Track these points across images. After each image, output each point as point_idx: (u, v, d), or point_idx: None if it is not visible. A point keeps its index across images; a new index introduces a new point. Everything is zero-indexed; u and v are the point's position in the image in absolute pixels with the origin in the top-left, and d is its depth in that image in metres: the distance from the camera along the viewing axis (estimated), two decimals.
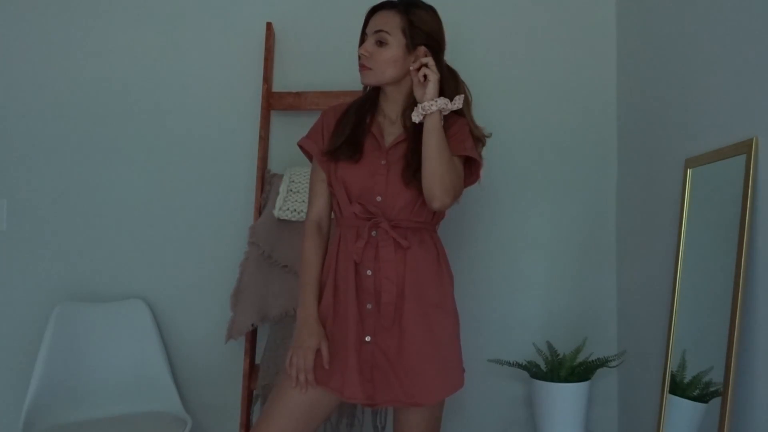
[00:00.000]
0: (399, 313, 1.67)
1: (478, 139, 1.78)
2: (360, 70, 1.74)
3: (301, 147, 1.88)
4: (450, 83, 1.76)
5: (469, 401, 2.45)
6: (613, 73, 2.49)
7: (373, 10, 1.76)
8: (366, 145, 1.75)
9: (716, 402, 1.54)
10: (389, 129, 1.78)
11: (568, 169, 2.49)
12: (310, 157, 1.87)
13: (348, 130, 1.76)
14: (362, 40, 1.76)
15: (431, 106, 1.64)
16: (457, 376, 1.74)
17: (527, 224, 2.49)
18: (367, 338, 1.68)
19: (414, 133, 1.71)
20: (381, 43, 1.71)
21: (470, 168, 1.77)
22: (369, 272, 1.69)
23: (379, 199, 1.71)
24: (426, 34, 1.73)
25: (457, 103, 1.71)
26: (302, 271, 1.77)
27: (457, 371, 1.74)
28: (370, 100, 1.82)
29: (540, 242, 2.48)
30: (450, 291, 1.77)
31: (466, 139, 1.73)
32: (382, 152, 1.74)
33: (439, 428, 1.78)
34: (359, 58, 1.73)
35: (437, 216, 1.79)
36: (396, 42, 1.70)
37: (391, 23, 1.71)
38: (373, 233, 1.70)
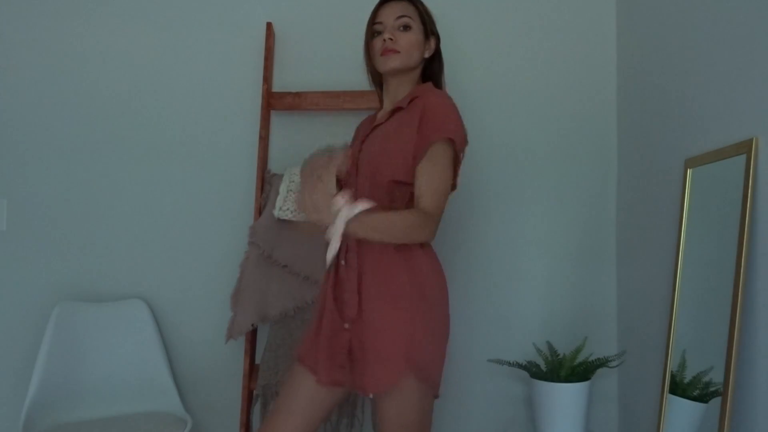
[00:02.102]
0: (360, 304, 1.67)
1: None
2: (385, 55, 1.74)
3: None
4: (437, 67, 1.86)
5: (469, 401, 2.45)
6: (613, 73, 2.49)
7: (382, 2, 1.81)
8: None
9: (716, 402, 1.54)
10: (383, 121, 1.80)
11: (568, 169, 2.49)
12: None
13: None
14: (371, 33, 1.79)
15: (336, 228, 1.53)
16: (392, 371, 1.61)
17: (527, 224, 2.49)
18: (346, 325, 1.68)
19: (391, 115, 1.75)
20: (406, 28, 1.76)
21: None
22: (343, 262, 1.71)
23: (353, 191, 1.72)
24: (433, 23, 1.83)
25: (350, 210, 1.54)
26: None
27: (393, 366, 1.62)
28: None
29: (540, 242, 2.48)
30: (407, 283, 1.66)
31: (446, 120, 1.67)
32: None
33: (422, 422, 1.67)
34: (384, 42, 1.74)
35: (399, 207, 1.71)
36: (417, 28, 1.78)
37: (410, 11, 1.79)
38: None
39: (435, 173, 1.64)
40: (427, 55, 1.81)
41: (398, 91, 1.80)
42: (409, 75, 1.80)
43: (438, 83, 1.86)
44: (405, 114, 1.72)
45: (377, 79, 1.86)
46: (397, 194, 1.70)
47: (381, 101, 1.88)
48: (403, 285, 1.66)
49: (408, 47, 1.75)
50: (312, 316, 1.82)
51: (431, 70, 1.85)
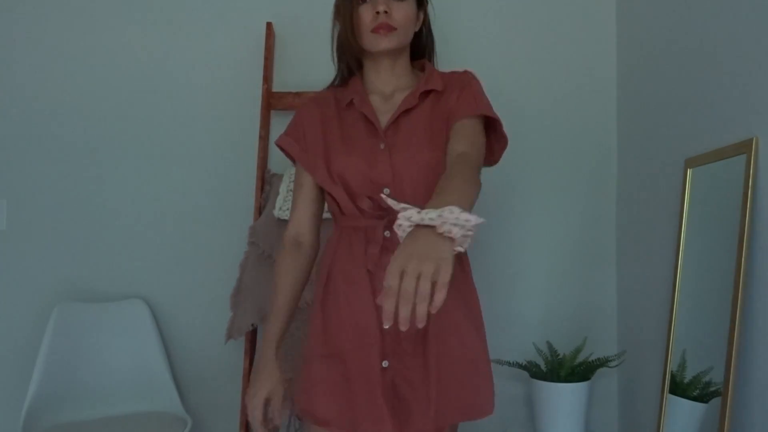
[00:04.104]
0: (424, 330, 1.38)
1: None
2: (380, 33, 1.45)
3: (280, 147, 1.59)
4: (429, 41, 1.61)
5: None
6: (613, 73, 2.49)
7: None
8: (358, 132, 1.49)
9: (716, 402, 1.54)
10: (384, 107, 1.51)
11: (568, 169, 2.49)
12: (292, 159, 1.61)
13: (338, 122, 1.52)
14: (355, 3, 1.48)
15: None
16: (488, 396, 1.45)
17: (527, 224, 2.49)
18: (385, 363, 1.38)
19: (420, 99, 1.48)
20: None
21: (493, 129, 1.47)
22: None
23: (387, 191, 1.42)
24: None
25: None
26: (271, 297, 1.50)
27: (488, 391, 1.45)
28: (350, 84, 1.58)
29: (540, 242, 2.48)
30: (472, 293, 1.51)
31: (478, 96, 1.45)
32: (378, 136, 1.46)
33: None
34: (377, 15, 1.44)
35: None
36: None
37: None
38: (386, 233, 1.41)
39: (477, 133, 1.41)
40: (417, 28, 1.53)
41: (394, 71, 1.53)
42: (404, 54, 1.53)
43: (431, 59, 1.61)
44: (443, 97, 1.47)
45: (354, 54, 1.56)
46: None
47: (345, 81, 1.59)
48: (470, 295, 1.49)
49: (405, 22, 1.46)
50: (317, 363, 1.44)
51: (421, 44, 1.58)
